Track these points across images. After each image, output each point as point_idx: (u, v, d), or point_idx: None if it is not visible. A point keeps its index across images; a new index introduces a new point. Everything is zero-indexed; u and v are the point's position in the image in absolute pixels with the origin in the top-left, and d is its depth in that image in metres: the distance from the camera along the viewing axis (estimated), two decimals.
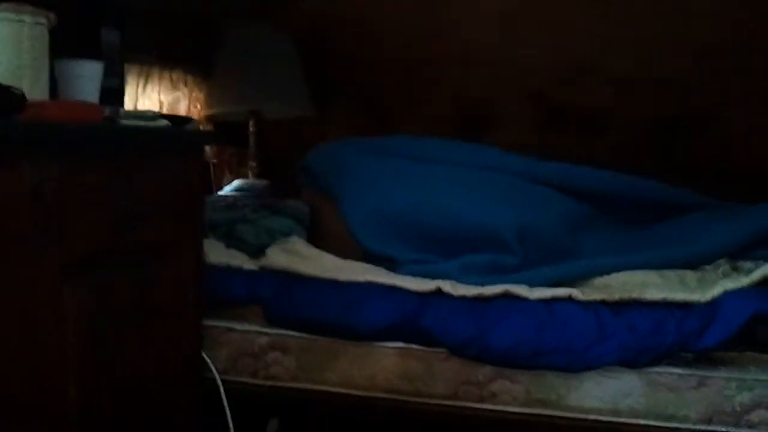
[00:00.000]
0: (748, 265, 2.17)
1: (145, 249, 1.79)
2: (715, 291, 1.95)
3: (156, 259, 1.84)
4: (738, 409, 1.87)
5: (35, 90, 1.59)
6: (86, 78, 1.80)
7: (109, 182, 1.62)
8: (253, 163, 3.06)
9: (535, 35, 3.00)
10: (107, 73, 1.91)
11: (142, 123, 1.84)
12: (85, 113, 1.63)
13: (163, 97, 2.82)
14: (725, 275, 2.14)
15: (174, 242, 1.91)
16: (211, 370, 2.11)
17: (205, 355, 2.11)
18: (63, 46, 1.77)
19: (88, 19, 1.95)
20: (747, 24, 2.85)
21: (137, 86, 2.69)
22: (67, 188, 1.48)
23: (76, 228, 1.53)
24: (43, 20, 1.60)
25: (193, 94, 2.98)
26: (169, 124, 1.91)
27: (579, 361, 1.93)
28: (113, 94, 1.99)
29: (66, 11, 1.89)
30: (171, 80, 2.86)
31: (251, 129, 3.06)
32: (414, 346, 2.07)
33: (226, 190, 2.93)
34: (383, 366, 2.08)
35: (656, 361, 1.93)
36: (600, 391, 1.95)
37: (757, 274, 1.96)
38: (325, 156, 2.59)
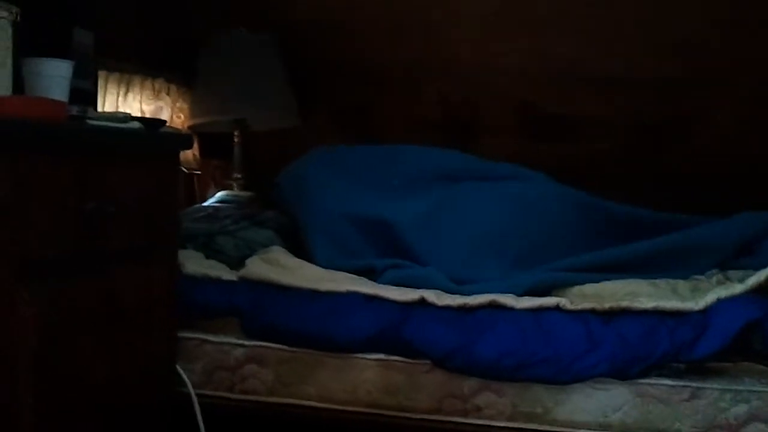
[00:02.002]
0: (739, 274, 2.12)
1: (113, 254, 1.72)
2: (709, 299, 1.89)
3: (124, 266, 1.77)
4: (733, 422, 1.80)
5: None
6: (54, 77, 1.74)
7: (73, 183, 1.56)
8: (238, 175, 3.00)
9: (519, 40, 2.96)
10: (78, 74, 1.86)
11: (112, 124, 1.79)
12: (47, 110, 1.57)
13: (144, 106, 2.76)
14: (718, 284, 2.08)
15: (144, 248, 1.85)
16: (185, 384, 2.04)
17: (179, 368, 2.05)
18: (33, 45, 1.73)
19: (59, 18, 1.90)
20: (729, 26, 2.80)
21: (118, 94, 2.64)
22: (24, 187, 1.42)
23: (35, 229, 1.46)
24: (5, 13, 1.55)
25: (177, 104, 2.93)
26: (142, 126, 1.86)
27: (567, 373, 1.86)
28: (85, 95, 1.93)
29: (36, 10, 1.85)
30: (153, 89, 2.81)
31: (236, 139, 3.01)
32: (396, 357, 1.99)
33: (210, 201, 2.87)
34: (364, 379, 2.00)
35: (647, 372, 1.86)
36: (589, 404, 1.87)
37: (752, 281, 1.90)
38: (290, 179, 2.56)
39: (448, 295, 2.08)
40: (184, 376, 2.05)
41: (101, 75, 2.52)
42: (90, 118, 1.75)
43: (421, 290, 2.08)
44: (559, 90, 2.98)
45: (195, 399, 2.03)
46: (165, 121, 2.00)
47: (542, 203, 2.42)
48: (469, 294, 2.08)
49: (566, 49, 2.92)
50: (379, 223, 2.34)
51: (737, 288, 1.90)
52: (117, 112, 2.01)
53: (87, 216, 1.58)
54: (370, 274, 2.26)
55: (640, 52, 2.88)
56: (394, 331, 1.98)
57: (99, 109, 2.42)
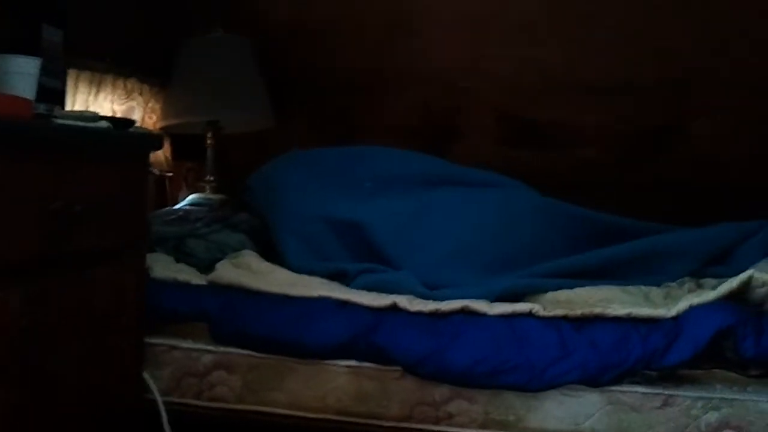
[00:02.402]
0: (712, 281, 2.12)
1: (80, 256, 1.68)
2: (681, 306, 1.88)
3: (92, 268, 1.73)
4: (704, 429, 1.79)
5: None
6: (21, 74, 1.70)
7: (38, 182, 1.52)
8: (210, 177, 2.96)
9: (500, 46, 2.95)
10: (47, 73, 1.82)
11: (80, 123, 1.75)
12: (13, 108, 1.53)
13: (116, 107, 2.71)
14: (690, 291, 2.08)
15: (113, 251, 1.81)
16: (152, 391, 2.01)
17: (146, 375, 2.01)
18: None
19: (27, 15, 1.85)
20: (710, 37, 2.81)
21: (89, 94, 2.59)
22: None
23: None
24: None
25: (149, 105, 2.88)
26: (110, 125, 1.82)
27: (539, 380, 1.84)
28: (53, 94, 1.88)
29: (3, 6, 1.81)
30: (125, 89, 2.76)
31: (209, 141, 2.97)
32: (367, 364, 1.97)
33: (181, 204, 2.83)
34: (335, 386, 1.98)
35: (620, 380, 1.84)
36: (561, 411, 1.86)
37: (724, 288, 1.89)
38: (261, 181, 2.53)
39: (421, 300, 2.06)
40: (151, 383, 2.01)
41: (71, 74, 2.47)
42: (57, 117, 1.71)
43: (393, 295, 2.06)
44: (539, 97, 2.97)
45: (162, 406, 2.00)
46: (134, 121, 1.97)
47: (518, 210, 2.41)
48: (442, 299, 2.06)
49: (547, 57, 2.92)
50: (352, 225, 2.32)
51: (709, 295, 1.90)
52: (85, 111, 1.97)
53: (53, 216, 1.54)
54: (343, 278, 2.23)
55: (621, 61, 2.88)
56: (365, 337, 1.96)
57: (68, 107, 2.38)
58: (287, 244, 2.33)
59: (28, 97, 1.65)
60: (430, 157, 2.62)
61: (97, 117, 1.81)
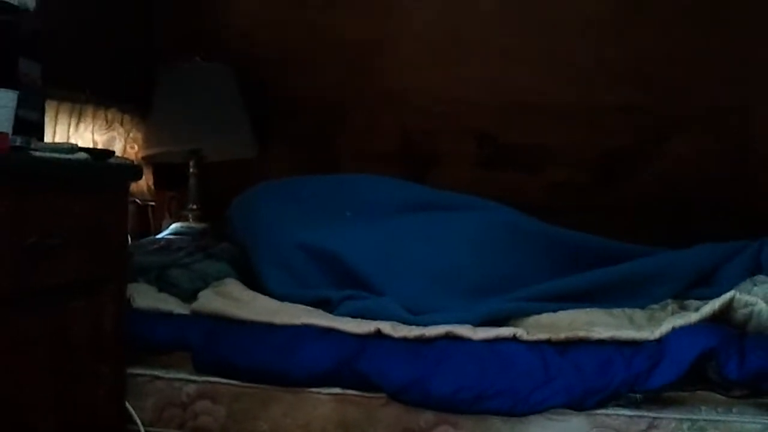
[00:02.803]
0: (695, 303, 2.12)
1: (58, 288, 1.67)
2: (664, 328, 1.88)
3: (70, 300, 1.72)
4: None
5: None
6: None
7: (13, 216, 1.51)
8: (193, 206, 2.95)
9: (477, 70, 2.98)
10: (25, 105, 1.81)
11: (57, 155, 1.74)
12: None
13: (97, 137, 2.71)
14: (674, 313, 2.08)
15: (91, 282, 1.80)
16: (135, 422, 1.99)
17: (128, 405, 2.00)
18: None
19: (3, 49, 1.85)
20: (686, 56, 2.84)
21: (69, 125, 2.59)
22: None
23: None
24: None
25: (130, 134, 2.88)
26: (89, 157, 1.81)
27: (524, 405, 1.83)
28: (31, 126, 1.87)
29: None
30: (106, 119, 2.75)
31: (191, 170, 2.96)
32: (351, 391, 1.95)
33: (163, 233, 2.82)
34: (319, 414, 1.96)
35: (604, 403, 1.83)
36: None
37: (706, 310, 1.89)
38: (240, 210, 2.53)
39: (405, 326, 2.04)
40: (134, 414, 1.99)
41: (51, 105, 2.46)
42: (34, 149, 1.70)
43: (377, 322, 2.04)
44: (516, 120, 2.99)
45: None
46: (113, 152, 1.96)
47: (500, 234, 2.41)
48: (425, 324, 2.05)
49: (524, 80, 2.95)
50: (333, 254, 2.31)
51: (692, 317, 1.90)
52: (63, 143, 1.96)
53: (28, 250, 1.53)
54: (326, 305, 2.22)
55: (593, 85, 2.91)
56: (349, 364, 1.94)
57: (48, 139, 2.37)
58: (268, 274, 2.32)
59: (3, 130, 1.65)
60: (409, 183, 2.63)
61: (75, 149, 1.80)
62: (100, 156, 1.87)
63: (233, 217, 2.53)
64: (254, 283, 2.37)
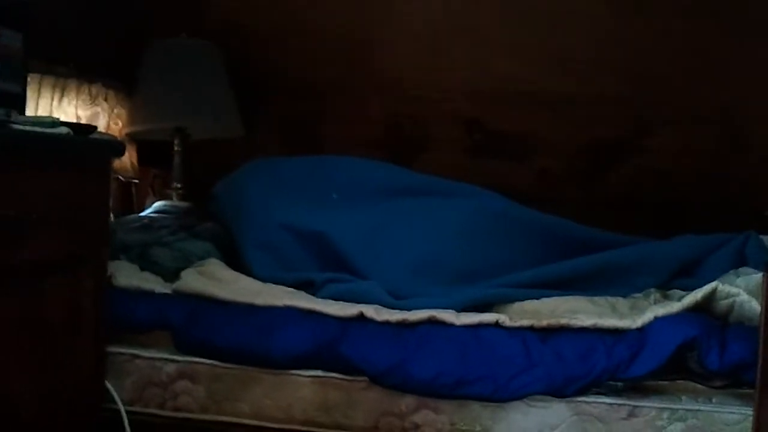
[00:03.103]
0: (678, 293, 2.12)
1: (35, 265, 1.65)
2: (646, 317, 1.88)
3: (48, 278, 1.70)
4: None
5: None
6: None
7: None
8: (177, 184, 2.92)
9: (466, 57, 2.95)
10: (5, 77, 1.79)
11: (38, 129, 1.71)
12: None
13: (80, 112, 2.67)
14: (657, 302, 2.08)
15: (71, 259, 1.78)
16: (114, 401, 1.98)
17: (108, 384, 1.99)
18: None
19: None
20: (674, 51, 2.84)
21: (52, 99, 2.55)
22: None
23: None
24: None
25: (115, 111, 2.83)
26: (70, 131, 1.78)
27: (504, 391, 1.83)
28: (12, 98, 1.84)
29: None
30: (90, 94, 2.71)
31: (176, 148, 2.93)
32: (332, 374, 1.95)
33: (147, 211, 2.79)
34: (300, 396, 1.95)
35: (585, 391, 1.84)
36: (527, 422, 1.85)
37: (688, 300, 1.90)
38: (226, 191, 2.50)
39: (387, 310, 2.04)
40: (114, 393, 1.98)
41: (34, 78, 2.43)
42: (14, 122, 1.67)
43: (360, 305, 2.04)
44: (505, 107, 2.97)
45: (125, 416, 1.97)
46: (95, 127, 1.93)
47: (487, 221, 2.39)
48: (408, 309, 2.04)
49: (513, 68, 2.92)
50: (318, 236, 2.30)
51: (674, 306, 1.90)
52: (44, 117, 1.93)
53: (4, 225, 1.51)
54: (309, 287, 2.21)
55: (581, 74, 2.89)
56: (331, 347, 1.94)
57: (31, 113, 2.34)
58: (252, 255, 2.30)
59: None
60: (397, 167, 2.61)
61: (57, 122, 1.77)
62: (82, 131, 1.84)
63: (220, 197, 2.50)
64: (238, 263, 2.35)
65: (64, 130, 1.77)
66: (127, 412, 1.97)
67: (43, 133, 1.69)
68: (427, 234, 2.33)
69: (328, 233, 2.29)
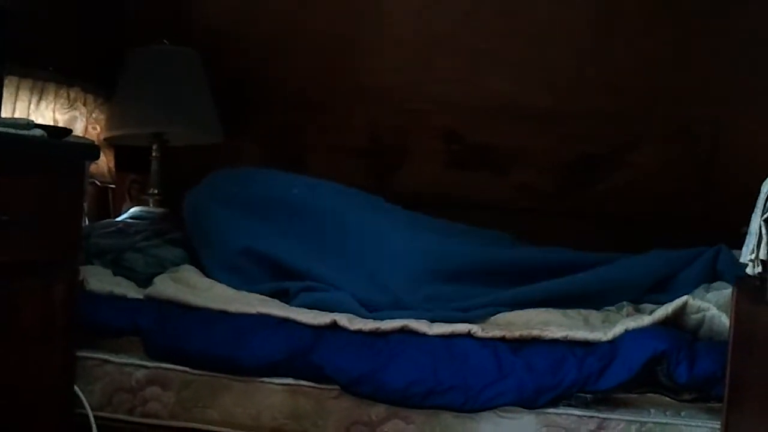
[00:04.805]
0: (650, 307, 2.13)
1: (5, 267, 1.63)
2: (617, 330, 1.89)
3: (18, 280, 1.68)
4: None
5: None
6: None
7: None
8: (154, 190, 2.90)
9: (449, 70, 2.96)
10: None
11: (11, 130, 1.70)
12: None
13: (58, 116, 2.65)
14: (628, 316, 2.09)
15: (42, 263, 1.76)
16: (83, 406, 1.96)
17: (77, 389, 1.97)
18: None
19: None
20: (656, 65, 2.86)
21: (29, 102, 2.54)
22: None
23: None
24: None
25: (93, 115, 2.82)
26: (45, 134, 1.78)
27: (474, 401, 1.83)
28: None
29: None
30: (68, 98, 2.70)
31: (154, 154, 2.92)
32: (303, 382, 1.94)
33: (122, 217, 2.78)
34: (270, 403, 1.95)
35: (555, 402, 1.84)
36: None
37: (659, 314, 1.91)
38: (189, 211, 2.47)
39: (361, 319, 2.04)
40: (83, 398, 1.97)
41: (11, 81, 2.42)
42: None
43: (333, 314, 2.04)
44: (486, 121, 2.98)
45: (93, 422, 1.96)
46: (70, 130, 1.93)
47: (457, 240, 2.41)
48: (381, 319, 2.04)
49: (496, 82, 2.93)
50: (275, 259, 2.29)
51: (645, 320, 1.91)
52: (19, 119, 1.93)
53: None
54: (284, 296, 2.21)
55: (569, 87, 2.91)
56: (303, 356, 1.94)
57: (7, 115, 2.32)
58: (218, 276, 2.28)
59: None
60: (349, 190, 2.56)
61: (31, 124, 1.77)
62: (56, 134, 1.84)
63: (185, 214, 2.48)
64: None
65: (38, 132, 1.77)
66: (96, 418, 1.96)
67: (16, 134, 1.69)
68: (389, 241, 2.32)
69: (283, 256, 2.27)
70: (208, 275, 2.31)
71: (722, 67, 2.81)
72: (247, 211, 2.38)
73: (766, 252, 1.52)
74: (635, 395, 1.85)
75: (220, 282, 2.27)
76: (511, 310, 2.17)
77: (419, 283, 2.25)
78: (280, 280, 2.26)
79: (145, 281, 2.23)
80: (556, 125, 2.94)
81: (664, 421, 1.82)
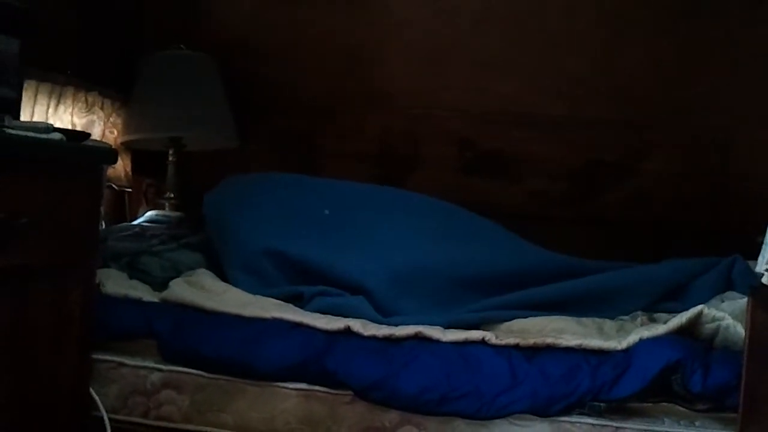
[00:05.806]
0: (664, 316, 2.13)
1: (21, 271, 1.65)
2: (632, 339, 1.89)
3: (34, 283, 1.70)
4: None
5: None
6: None
7: None
8: (171, 194, 2.93)
9: (461, 77, 2.98)
10: (1, 82, 1.80)
11: (32, 134, 1.72)
12: None
13: (76, 120, 2.68)
14: (643, 325, 2.08)
15: (58, 265, 1.78)
16: (98, 408, 1.97)
17: (92, 391, 1.98)
18: None
19: None
20: (668, 73, 2.87)
21: (48, 106, 2.56)
22: None
23: None
24: None
25: (110, 119, 2.85)
26: (64, 138, 1.79)
27: (488, 408, 1.83)
28: (6, 104, 1.85)
29: None
30: (86, 102, 2.73)
31: (170, 158, 2.94)
32: (317, 388, 1.94)
33: (138, 220, 2.80)
34: (284, 408, 1.95)
35: (569, 411, 1.84)
36: None
37: (673, 323, 1.90)
38: (210, 212, 2.49)
39: (374, 325, 2.04)
40: (98, 400, 1.97)
41: (30, 85, 2.44)
42: (8, 127, 1.68)
43: (347, 319, 2.04)
44: (499, 128, 2.99)
45: (108, 424, 1.96)
46: (89, 134, 1.94)
47: (469, 241, 2.41)
48: (395, 325, 2.05)
49: (508, 88, 2.95)
50: (298, 260, 2.29)
51: (659, 329, 1.90)
52: (38, 122, 1.94)
53: None
54: (298, 301, 2.21)
55: (582, 95, 2.92)
56: (317, 361, 1.94)
57: (27, 119, 2.35)
58: (237, 278, 2.30)
59: None
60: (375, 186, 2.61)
61: (50, 128, 1.78)
62: (75, 137, 1.85)
63: (205, 216, 2.50)
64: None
65: (57, 136, 1.78)
66: (111, 420, 1.96)
67: (36, 138, 1.70)
68: (407, 253, 2.32)
69: (307, 256, 2.28)
70: (224, 274, 2.32)
71: (734, 75, 2.82)
72: (268, 214, 2.39)
73: None
74: (649, 404, 1.84)
75: (236, 282, 2.28)
76: (526, 313, 2.17)
77: (440, 292, 2.25)
78: (298, 282, 2.27)
79: (160, 285, 2.24)
80: (568, 133, 2.95)
81: (678, 430, 1.80)
